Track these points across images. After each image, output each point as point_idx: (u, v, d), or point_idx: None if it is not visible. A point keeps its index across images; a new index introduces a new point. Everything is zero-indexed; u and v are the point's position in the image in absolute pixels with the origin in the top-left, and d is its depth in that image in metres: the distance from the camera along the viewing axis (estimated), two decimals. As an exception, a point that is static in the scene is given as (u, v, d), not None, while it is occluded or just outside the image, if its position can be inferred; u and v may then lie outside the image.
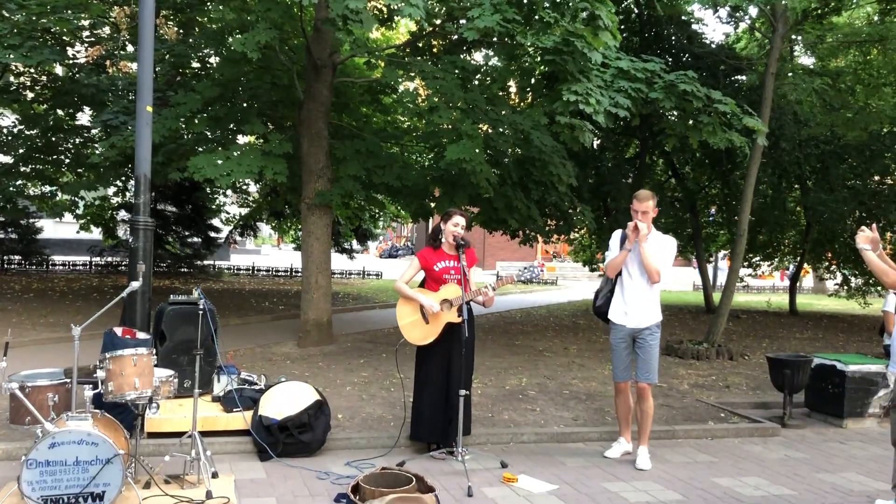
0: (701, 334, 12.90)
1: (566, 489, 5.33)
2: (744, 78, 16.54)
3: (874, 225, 5.19)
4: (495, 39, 10.72)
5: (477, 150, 9.46)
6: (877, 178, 17.92)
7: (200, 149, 11.07)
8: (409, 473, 4.81)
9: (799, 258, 20.34)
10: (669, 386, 9.07)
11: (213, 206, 23.30)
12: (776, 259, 22.14)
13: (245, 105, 12.09)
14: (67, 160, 15.74)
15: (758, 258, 21.35)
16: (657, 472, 5.83)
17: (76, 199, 17.04)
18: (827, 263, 20.79)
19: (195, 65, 13.54)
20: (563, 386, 8.73)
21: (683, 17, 15.74)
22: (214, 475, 5.07)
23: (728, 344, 12.08)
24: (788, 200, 18.50)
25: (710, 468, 6.04)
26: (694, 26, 16.27)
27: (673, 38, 15.67)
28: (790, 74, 14.57)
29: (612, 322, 6.11)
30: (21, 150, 15.17)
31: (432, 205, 13.21)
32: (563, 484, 5.44)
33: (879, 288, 18.92)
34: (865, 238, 4.98)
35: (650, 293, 5.96)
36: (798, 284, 21.24)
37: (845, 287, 20.43)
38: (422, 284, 6.09)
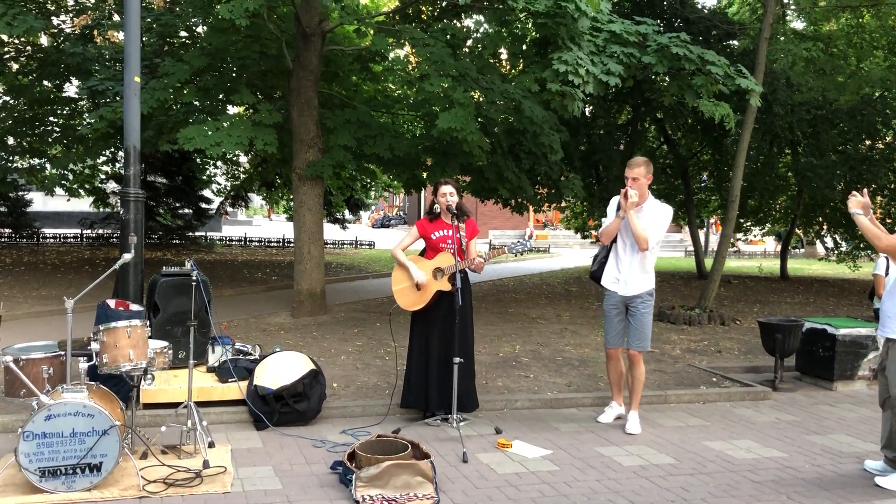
0: (693, 300, 12.97)
1: (560, 454, 5.39)
2: (736, 43, 16.44)
3: (865, 190, 5.21)
4: (486, 4, 10.62)
5: (468, 120, 9.41)
6: (867, 142, 17.92)
7: (190, 120, 10.98)
8: (404, 440, 4.84)
9: (790, 223, 20.40)
10: (662, 351, 9.14)
11: (204, 178, 23.19)
12: (767, 224, 22.22)
13: (234, 75, 11.97)
14: (56, 133, 15.59)
15: (749, 223, 21.41)
16: (650, 437, 5.90)
17: (65, 171, 16.90)
18: (817, 228, 20.86)
19: (183, 34, 13.38)
20: (556, 352, 8.79)
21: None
22: (211, 445, 5.10)
23: (720, 309, 12.15)
24: (779, 166, 18.50)
25: (702, 432, 6.11)
26: (686, -10, 16.11)
27: (665, 2, 15.52)
28: (782, 38, 14.48)
29: (604, 288, 6.13)
30: (8, 123, 15.01)
31: (424, 175, 13.16)
32: (557, 449, 5.50)
33: (869, 251, 19.04)
34: (858, 203, 5.00)
35: (643, 261, 5.93)
36: (789, 249, 21.32)
37: (835, 251, 20.54)
38: (423, 253, 6.13)
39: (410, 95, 13.42)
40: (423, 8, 12.58)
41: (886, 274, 7.39)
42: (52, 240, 21.58)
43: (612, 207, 6.06)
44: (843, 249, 19.92)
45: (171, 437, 5.12)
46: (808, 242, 27.68)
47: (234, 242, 25.67)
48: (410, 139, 12.07)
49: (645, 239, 5.79)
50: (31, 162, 18.02)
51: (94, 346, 4.65)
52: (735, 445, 5.76)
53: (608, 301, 6.10)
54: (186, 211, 22.58)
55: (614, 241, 6.05)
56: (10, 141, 15.54)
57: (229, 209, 26.19)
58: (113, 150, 16.84)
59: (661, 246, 6.52)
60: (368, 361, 7.91)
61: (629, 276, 5.95)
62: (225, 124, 9.93)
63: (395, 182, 18.35)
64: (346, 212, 28.05)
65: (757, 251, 33.28)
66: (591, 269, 6.29)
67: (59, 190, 18.55)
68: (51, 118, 15.41)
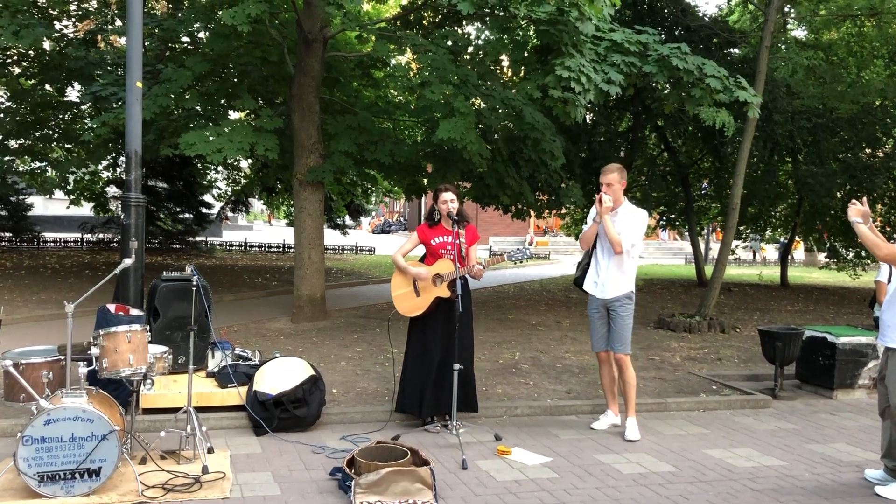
0: (693, 307, 12.96)
1: (560, 461, 5.38)
2: (737, 51, 16.47)
3: (864, 198, 5.21)
4: (487, 11, 10.63)
5: (468, 129, 9.41)
6: (868, 151, 17.93)
7: (192, 125, 11.00)
8: (404, 447, 4.84)
9: (790, 231, 20.39)
10: (662, 359, 9.13)
11: (205, 182, 23.20)
12: (767, 232, 22.22)
13: (235, 80, 11.99)
14: (56, 136, 15.60)
15: (749, 231, 21.40)
16: (649, 444, 5.89)
17: (66, 174, 16.91)
18: (817, 236, 20.85)
19: (185, 39, 13.40)
20: (556, 359, 8.78)
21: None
22: (210, 450, 5.10)
23: (720, 317, 12.14)
24: (779, 174, 18.50)
25: (702, 440, 6.11)
26: (687, -1, 16.15)
27: (666, 10, 15.55)
28: (783, 48, 14.50)
29: (587, 293, 6.20)
30: (9, 127, 15.03)
31: (425, 181, 13.17)
32: (557, 456, 5.49)
33: (869, 260, 19.02)
34: (857, 211, 5.01)
35: (621, 265, 6.01)
36: (789, 257, 21.30)
37: (835, 260, 20.52)
38: (423, 259, 6.13)
39: (411, 102, 13.44)
40: (425, 14, 12.61)
41: (889, 281, 7.38)
42: (52, 244, 21.56)
43: (591, 215, 6.19)
44: (849, 257, 19.88)
45: (171, 442, 5.12)
46: (806, 250, 27.68)
47: (234, 247, 25.64)
48: (411, 145, 12.08)
49: (618, 241, 5.90)
50: (33, 165, 18.03)
51: (94, 350, 4.65)
52: (735, 453, 5.75)
53: (590, 305, 6.23)
54: (187, 216, 22.57)
55: (595, 246, 6.16)
56: (13, 144, 15.56)
57: (230, 214, 26.16)
58: (114, 154, 16.85)
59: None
60: (368, 367, 7.90)
61: (607, 280, 6.04)
62: (226, 130, 9.95)
63: (396, 188, 18.36)
64: (347, 217, 28.04)
65: (757, 259, 33.25)
66: (575, 275, 6.43)
67: (59, 194, 18.54)
68: (52, 122, 15.43)
